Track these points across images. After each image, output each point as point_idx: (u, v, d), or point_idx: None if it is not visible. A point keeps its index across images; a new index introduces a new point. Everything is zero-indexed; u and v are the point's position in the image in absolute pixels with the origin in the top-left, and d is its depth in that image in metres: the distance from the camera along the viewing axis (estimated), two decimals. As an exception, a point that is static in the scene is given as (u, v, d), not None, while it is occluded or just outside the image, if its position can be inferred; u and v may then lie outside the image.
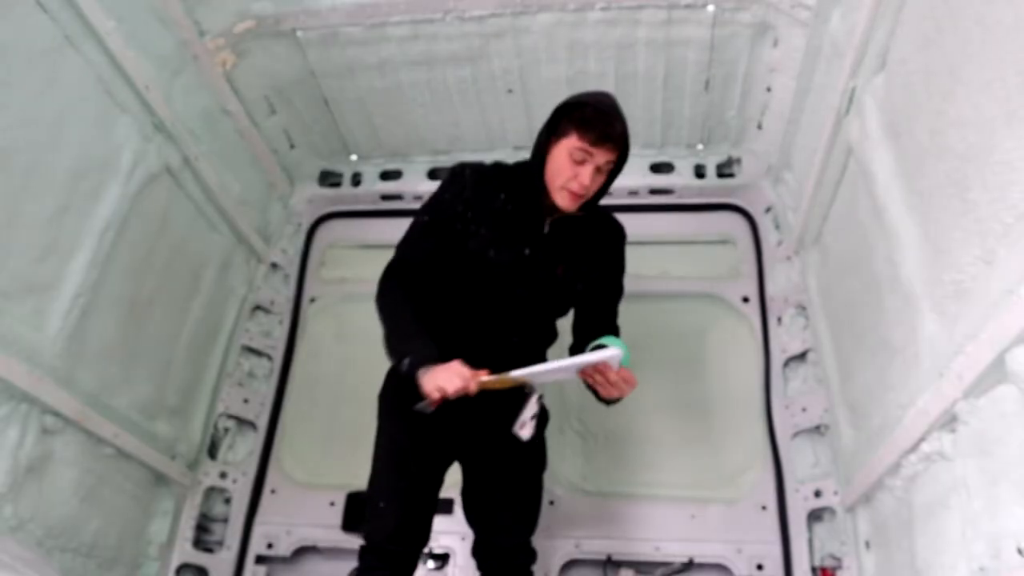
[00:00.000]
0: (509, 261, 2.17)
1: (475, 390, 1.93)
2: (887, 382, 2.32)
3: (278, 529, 3.30)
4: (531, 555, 2.42)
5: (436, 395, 1.91)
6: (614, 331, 2.34)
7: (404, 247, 2.26)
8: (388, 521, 2.30)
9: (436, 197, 2.25)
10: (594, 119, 2.03)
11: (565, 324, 2.50)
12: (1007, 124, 1.57)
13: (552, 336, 2.45)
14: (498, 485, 2.36)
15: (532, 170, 2.15)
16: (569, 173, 2.05)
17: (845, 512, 2.83)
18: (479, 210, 2.16)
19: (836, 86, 2.60)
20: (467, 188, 2.18)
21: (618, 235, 2.39)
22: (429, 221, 2.22)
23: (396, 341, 2.10)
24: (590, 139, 2.01)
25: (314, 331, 3.79)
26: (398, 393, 2.37)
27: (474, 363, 1.98)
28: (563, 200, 2.08)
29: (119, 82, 2.71)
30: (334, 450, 3.42)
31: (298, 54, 3.41)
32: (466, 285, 2.21)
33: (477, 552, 2.45)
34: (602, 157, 2.04)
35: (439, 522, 2.88)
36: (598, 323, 2.34)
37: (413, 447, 2.33)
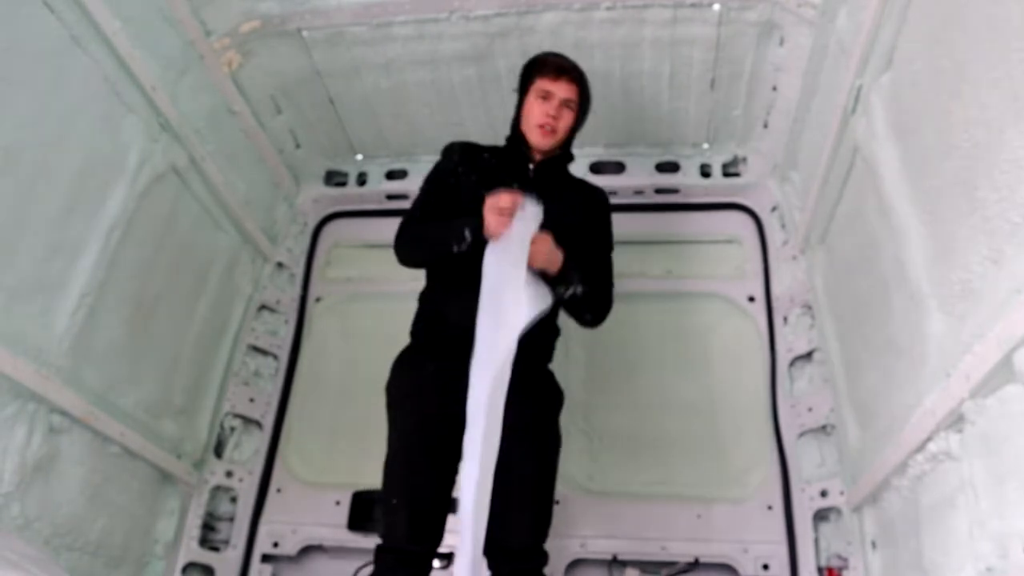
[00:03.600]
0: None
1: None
2: (894, 382, 2.31)
3: (284, 528, 3.30)
4: (543, 558, 2.36)
5: (500, 220, 2.19)
6: (608, 284, 2.54)
7: (411, 210, 2.57)
8: (403, 519, 2.29)
9: (432, 171, 2.63)
10: (548, 59, 2.52)
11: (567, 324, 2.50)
12: (1015, 122, 1.56)
13: (555, 333, 2.53)
14: (509, 484, 2.31)
15: (512, 127, 2.55)
16: (538, 110, 2.45)
17: (851, 512, 2.82)
18: (468, 165, 2.53)
19: (842, 85, 2.59)
20: (456, 152, 2.59)
21: (601, 193, 2.69)
22: (428, 188, 2.58)
23: (442, 235, 2.32)
24: (548, 74, 2.45)
25: (320, 330, 3.79)
26: (403, 383, 2.42)
27: (471, 321, 2.15)
28: (536, 137, 2.46)
29: (125, 82, 2.72)
30: (340, 449, 3.43)
31: (304, 54, 3.41)
32: None
33: (487, 553, 2.36)
34: (562, 91, 2.45)
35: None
36: (588, 273, 2.42)
37: (422, 441, 2.33)
